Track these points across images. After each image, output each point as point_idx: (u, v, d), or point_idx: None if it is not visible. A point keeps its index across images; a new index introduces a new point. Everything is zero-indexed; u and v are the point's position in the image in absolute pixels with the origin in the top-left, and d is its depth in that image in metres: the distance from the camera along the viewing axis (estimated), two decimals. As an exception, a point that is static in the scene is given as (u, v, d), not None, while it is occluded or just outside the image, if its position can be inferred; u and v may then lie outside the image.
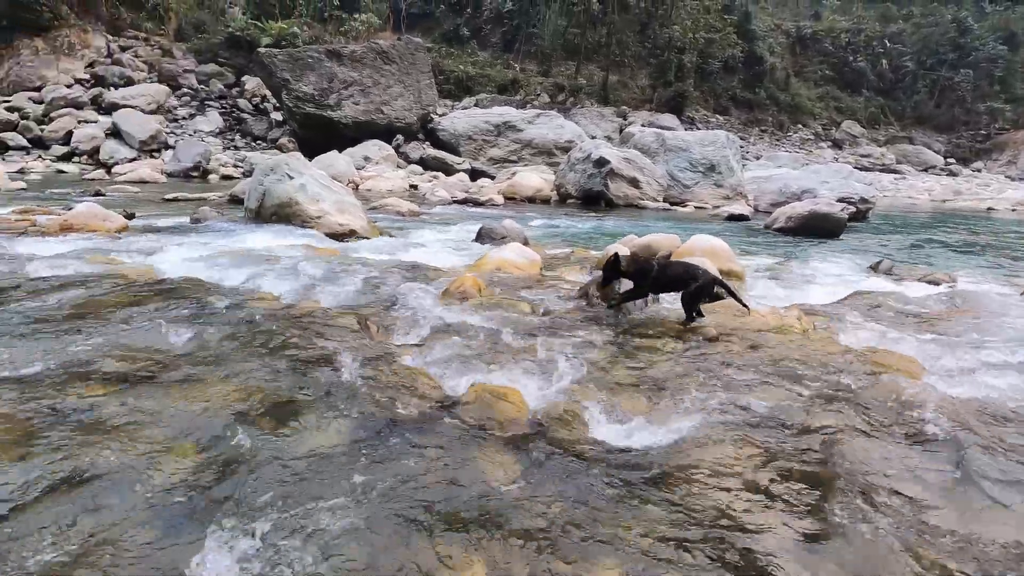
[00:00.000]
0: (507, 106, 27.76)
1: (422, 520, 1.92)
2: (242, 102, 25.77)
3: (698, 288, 4.08)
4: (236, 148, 22.59)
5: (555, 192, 18.26)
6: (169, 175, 17.84)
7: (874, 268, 8.13)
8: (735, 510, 2.11)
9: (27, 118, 19.84)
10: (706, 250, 6.73)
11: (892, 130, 50.34)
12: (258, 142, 23.49)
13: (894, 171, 40.46)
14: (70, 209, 8.88)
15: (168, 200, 13.14)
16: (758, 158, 34.01)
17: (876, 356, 3.54)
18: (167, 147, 20.26)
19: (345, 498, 2.01)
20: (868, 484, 2.29)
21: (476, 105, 30.99)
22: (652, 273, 4.22)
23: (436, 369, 3.05)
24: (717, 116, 42.68)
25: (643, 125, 28.15)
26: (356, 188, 17.30)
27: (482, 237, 9.66)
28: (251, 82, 26.32)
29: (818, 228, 11.87)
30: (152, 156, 19.62)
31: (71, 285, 4.39)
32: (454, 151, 23.57)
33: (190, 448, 2.24)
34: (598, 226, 12.55)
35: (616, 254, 4.39)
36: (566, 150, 21.59)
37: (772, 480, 2.30)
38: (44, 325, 3.44)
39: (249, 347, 3.28)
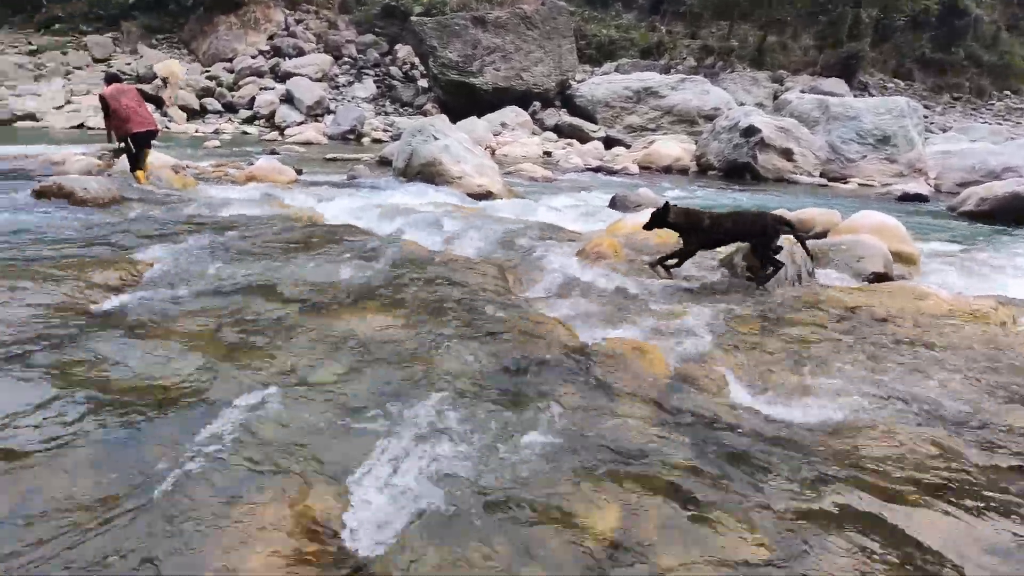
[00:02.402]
0: (649, 71, 26.42)
1: (560, 458, 1.97)
2: (393, 70, 27.42)
3: (763, 232, 3.83)
4: (386, 114, 24.20)
5: (695, 163, 17.23)
6: (329, 137, 19.69)
7: (1101, 263, 6.64)
8: (891, 500, 1.90)
9: (221, 85, 22.95)
10: (873, 227, 5.96)
11: None
12: (405, 108, 24.93)
13: None
14: (251, 164, 10.21)
15: (328, 160, 14.58)
16: (945, 130, 28.98)
17: (1101, 359, 2.92)
18: (328, 112, 22.30)
19: (486, 429, 2.12)
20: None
21: (616, 71, 29.91)
22: (703, 226, 3.98)
23: (572, 320, 3.09)
24: (896, 81, 36.83)
25: (802, 91, 25.28)
26: (492, 153, 17.74)
27: (616, 204, 9.47)
28: (402, 50, 27.87)
29: (1022, 213, 9.91)
30: (316, 120, 21.73)
31: (257, 223, 5.07)
32: (590, 118, 23.11)
33: (353, 359, 2.51)
34: (740, 200, 11.66)
35: (667, 203, 4.14)
36: (710, 118, 20.16)
37: (940, 477, 2.03)
38: (239, 253, 4.03)
39: (401, 283, 3.57)
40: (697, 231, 4.03)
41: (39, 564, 1.43)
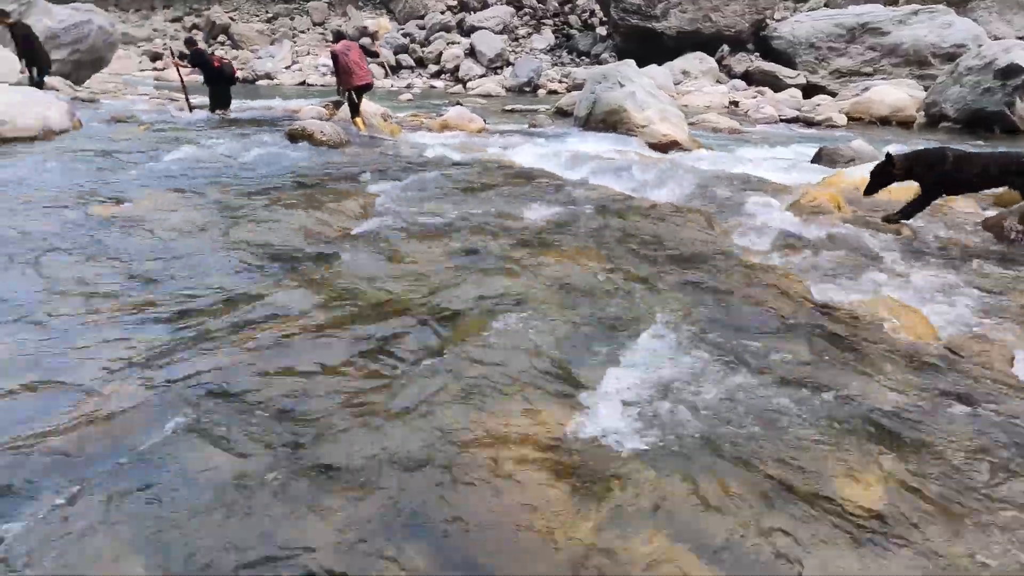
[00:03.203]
0: (871, 3, 22.34)
1: (805, 418, 1.80)
2: (572, 19, 26.88)
3: None
4: (562, 64, 23.97)
5: (922, 112, 14.40)
6: (507, 89, 20.19)
7: None
8: None
9: (414, 42, 24.62)
10: None
11: None
12: (582, 58, 24.42)
13: None
14: (442, 114, 10.87)
15: (507, 111, 14.99)
16: None
17: None
18: (508, 64, 22.75)
19: (714, 376, 2.02)
20: None
21: (826, 5, 25.84)
22: (945, 167, 3.29)
23: (802, 275, 2.79)
24: None
25: (1095, 18, 19.43)
26: (672, 103, 16.71)
27: (821, 158, 8.34)
28: (581, -3, 27.15)
29: None
30: (495, 73, 22.36)
31: (459, 166, 5.40)
32: (788, 63, 20.45)
33: (571, 292, 2.57)
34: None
35: (888, 154, 3.47)
36: (951, 57, 16.60)
37: None
38: (449, 191, 4.34)
39: (605, 225, 3.55)
40: (937, 173, 3.38)
41: (317, 444, 1.70)
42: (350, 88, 7.54)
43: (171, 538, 1.32)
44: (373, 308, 2.43)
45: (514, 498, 1.47)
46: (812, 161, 8.26)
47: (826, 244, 3.25)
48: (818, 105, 16.51)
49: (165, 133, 6.16)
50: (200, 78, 8.56)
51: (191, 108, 8.45)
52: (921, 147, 3.77)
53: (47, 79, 10.26)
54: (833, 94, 18.49)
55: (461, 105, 15.57)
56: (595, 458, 1.62)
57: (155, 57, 25.24)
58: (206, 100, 8.82)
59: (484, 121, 10.75)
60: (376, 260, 2.92)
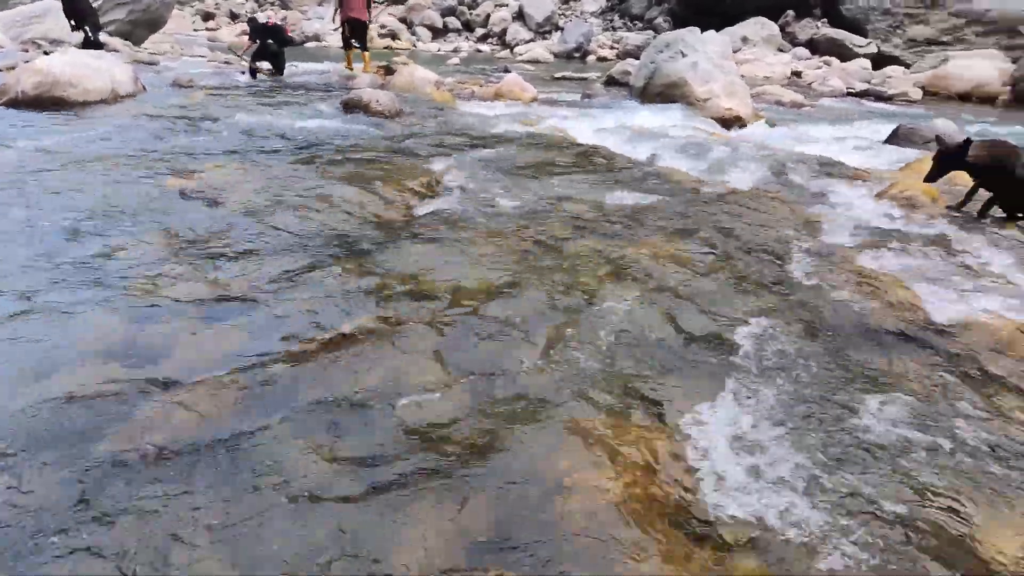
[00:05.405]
0: (956, -35, 20.50)
1: (940, 457, 1.64)
2: (625, -20, 25.68)
3: None
4: (614, 29, 23.04)
5: (1010, 89, 13.32)
6: (555, 55, 19.53)
7: None
8: None
9: (462, 3, 24.00)
10: None
11: None
12: (634, 22, 23.41)
13: None
14: (492, 83, 10.57)
15: (556, 78, 14.51)
16: None
17: None
18: (557, 28, 22.01)
19: (817, 403, 1.87)
20: None
21: (904, -34, 23.86)
22: (1016, 169, 2.97)
23: (908, 281, 2.57)
24: None
25: None
26: (730, 73, 15.86)
27: (897, 138, 7.78)
28: (637, -44, 25.79)
29: None
30: (543, 38, 21.67)
31: (516, 141, 5.23)
32: (858, 30, 19.13)
33: (643, 290, 2.44)
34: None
35: (968, 139, 3.20)
36: (1046, 27, 15.18)
37: None
38: (512, 169, 4.20)
39: (674, 214, 3.37)
40: (1010, 177, 3.05)
41: (395, 451, 1.65)
42: (343, 21, 8.48)
43: (250, 538, 1.29)
44: (446, 302, 2.34)
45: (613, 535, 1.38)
46: (886, 141, 7.73)
47: (929, 244, 2.98)
48: (889, 78, 15.47)
49: (225, 99, 6.16)
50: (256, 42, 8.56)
51: (253, 73, 8.52)
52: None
53: (106, 39, 10.42)
54: (907, 65, 17.29)
55: (509, 71, 15.18)
56: (689, 488, 1.52)
57: (207, 17, 25.40)
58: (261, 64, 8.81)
59: (536, 90, 10.44)
60: (444, 249, 2.83)
